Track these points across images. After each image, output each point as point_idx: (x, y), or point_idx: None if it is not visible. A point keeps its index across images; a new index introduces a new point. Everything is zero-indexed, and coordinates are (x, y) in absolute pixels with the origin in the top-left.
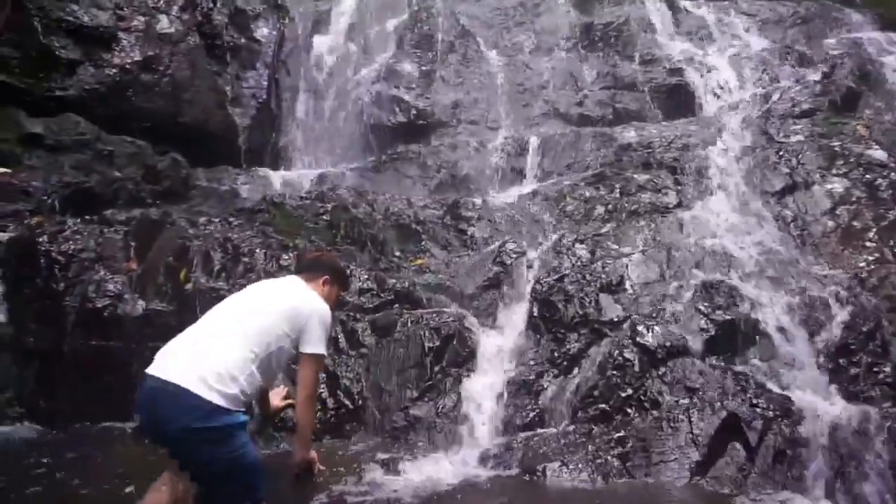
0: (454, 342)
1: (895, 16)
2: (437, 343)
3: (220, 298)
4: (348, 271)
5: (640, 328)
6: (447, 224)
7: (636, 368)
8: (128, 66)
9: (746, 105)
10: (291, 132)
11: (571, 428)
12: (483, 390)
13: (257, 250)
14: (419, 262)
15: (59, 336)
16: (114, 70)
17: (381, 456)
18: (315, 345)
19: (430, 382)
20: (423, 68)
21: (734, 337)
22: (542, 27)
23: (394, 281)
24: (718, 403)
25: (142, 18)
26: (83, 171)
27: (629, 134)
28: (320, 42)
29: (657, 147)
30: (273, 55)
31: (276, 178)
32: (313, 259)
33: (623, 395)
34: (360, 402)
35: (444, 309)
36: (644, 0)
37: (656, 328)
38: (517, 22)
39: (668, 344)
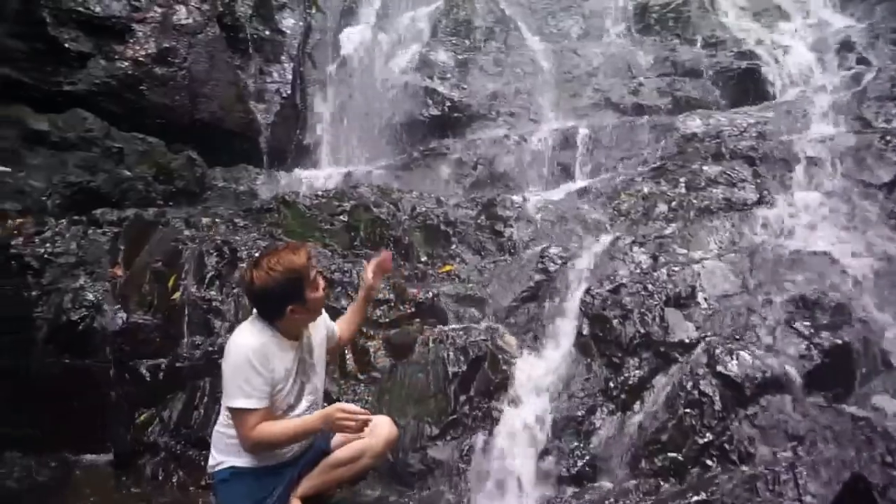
0: (484, 366)
1: None
2: (464, 367)
3: (212, 310)
4: (306, 257)
5: (719, 353)
6: (481, 225)
7: (717, 406)
8: (141, 59)
9: (833, 88)
10: (317, 129)
11: (633, 483)
12: (520, 428)
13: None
14: (447, 268)
15: (26, 352)
16: (126, 63)
17: None
18: (227, 396)
19: (453, 417)
20: (459, 57)
21: (847, 367)
22: (591, 11)
23: (415, 290)
24: (836, 460)
25: (158, 9)
26: (89, 170)
27: (693, 122)
28: (349, 33)
29: (727, 136)
30: (299, 47)
31: (299, 177)
32: (258, 291)
33: (701, 441)
34: None
35: (474, 325)
36: None
37: (742, 354)
38: (563, 6)
39: (757, 375)
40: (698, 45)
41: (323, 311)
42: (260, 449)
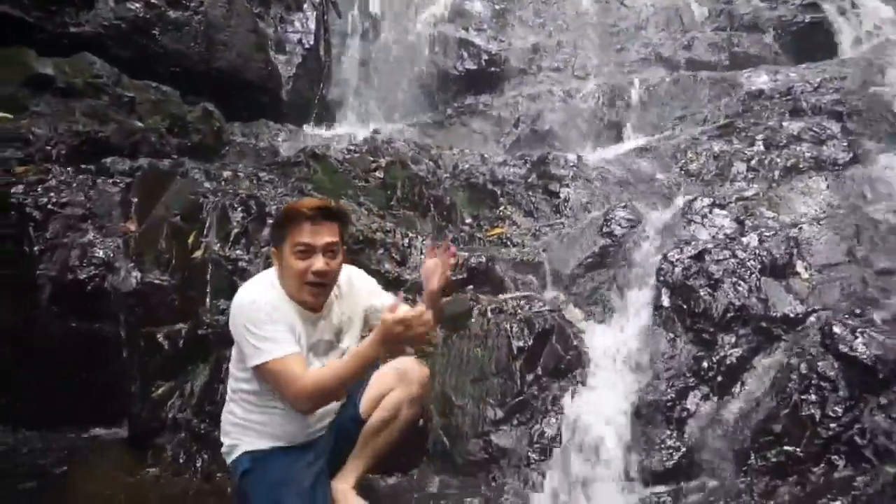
0: (552, 341)
1: None
2: (530, 342)
3: (238, 271)
4: (305, 211)
5: (838, 330)
6: (533, 184)
7: (841, 392)
8: (153, 1)
9: None
10: (342, 83)
11: (743, 483)
12: (598, 413)
13: None
14: (497, 231)
15: (28, 314)
16: (137, 4)
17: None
18: (253, 356)
19: (520, 398)
20: (497, 7)
21: None
22: None
23: (467, 254)
24: None
25: None
26: (98, 120)
27: (759, 79)
28: None
29: (801, 93)
30: None
31: (323, 134)
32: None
33: (825, 433)
34: (423, 421)
35: (536, 294)
36: None
37: (869, 332)
38: None
39: (890, 356)
40: None
41: (369, 281)
42: (319, 402)
